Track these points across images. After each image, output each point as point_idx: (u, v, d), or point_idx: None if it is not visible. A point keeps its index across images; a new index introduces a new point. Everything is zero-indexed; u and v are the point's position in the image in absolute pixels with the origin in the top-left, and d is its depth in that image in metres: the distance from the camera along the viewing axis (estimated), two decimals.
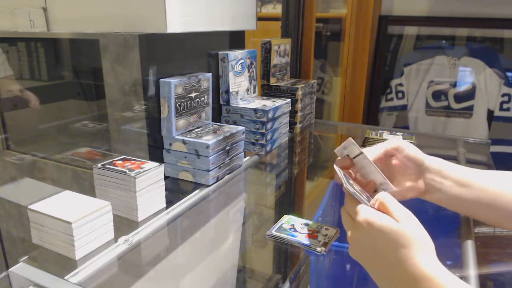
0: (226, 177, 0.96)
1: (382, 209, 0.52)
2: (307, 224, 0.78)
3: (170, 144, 0.91)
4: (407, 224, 0.48)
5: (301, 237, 0.74)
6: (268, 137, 1.11)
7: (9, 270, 0.60)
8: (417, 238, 0.47)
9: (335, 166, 0.61)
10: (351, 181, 0.58)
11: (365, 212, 0.52)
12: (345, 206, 0.57)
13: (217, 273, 0.74)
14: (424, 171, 0.66)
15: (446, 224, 0.90)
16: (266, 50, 1.31)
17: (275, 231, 0.76)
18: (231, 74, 1.09)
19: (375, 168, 0.63)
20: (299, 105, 1.31)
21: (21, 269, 0.60)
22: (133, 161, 0.77)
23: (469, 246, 0.70)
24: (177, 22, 0.85)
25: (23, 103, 1.09)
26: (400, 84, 2.09)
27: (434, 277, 0.44)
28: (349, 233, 0.54)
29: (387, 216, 0.50)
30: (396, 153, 0.67)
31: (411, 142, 1.06)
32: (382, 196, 0.53)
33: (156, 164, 0.77)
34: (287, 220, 0.81)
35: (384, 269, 0.49)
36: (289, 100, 1.22)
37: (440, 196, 0.65)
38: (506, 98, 1.90)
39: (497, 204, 0.61)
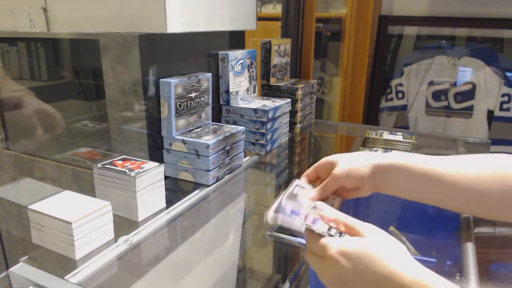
0: (226, 177, 0.96)
1: (348, 231, 0.49)
2: None
3: (170, 144, 0.91)
4: (379, 240, 0.46)
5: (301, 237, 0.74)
6: (268, 137, 1.11)
7: (9, 270, 0.60)
8: (394, 250, 0.46)
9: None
10: (303, 219, 0.53)
11: (335, 244, 0.47)
12: (308, 247, 0.51)
13: (217, 273, 0.74)
14: (373, 175, 0.61)
15: (446, 224, 0.90)
16: (266, 50, 1.31)
17: (275, 231, 0.77)
18: (231, 74, 1.09)
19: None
20: (299, 105, 1.31)
21: (21, 269, 0.60)
22: (133, 161, 0.77)
23: (469, 246, 0.70)
24: (177, 22, 0.85)
25: None
26: (400, 84, 2.09)
27: (423, 281, 0.43)
28: (323, 274, 0.50)
29: (356, 238, 0.47)
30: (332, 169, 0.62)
31: (410, 142, 1.04)
32: (341, 217, 0.50)
33: (156, 164, 0.77)
34: None
35: None
36: (289, 100, 1.22)
37: (395, 191, 0.62)
38: (506, 98, 1.90)
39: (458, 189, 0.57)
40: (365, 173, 0.61)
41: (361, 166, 0.62)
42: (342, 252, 0.47)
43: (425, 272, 0.44)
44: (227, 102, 1.11)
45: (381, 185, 0.62)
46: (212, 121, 1.03)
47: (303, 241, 0.73)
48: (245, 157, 1.05)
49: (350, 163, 0.62)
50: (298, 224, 0.52)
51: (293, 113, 1.30)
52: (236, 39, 1.16)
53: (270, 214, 0.56)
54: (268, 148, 1.12)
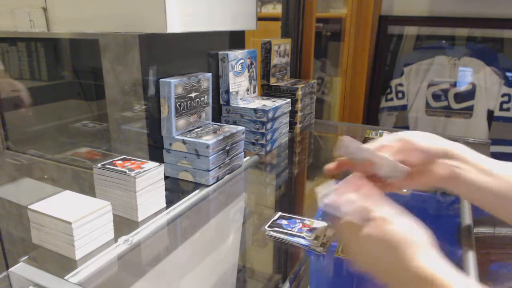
0: (226, 177, 0.96)
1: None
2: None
3: (170, 144, 0.91)
4: (399, 224, 0.47)
5: (300, 238, 0.74)
6: (268, 137, 1.11)
7: (9, 270, 0.60)
8: (413, 238, 0.46)
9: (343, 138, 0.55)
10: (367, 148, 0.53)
11: (384, 210, 0.48)
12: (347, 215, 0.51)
13: (217, 273, 0.74)
14: (445, 158, 0.59)
15: (446, 225, 0.90)
16: (266, 50, 1.31)
17: (271, 230, 0.76)
18: (231, 74, 1.09)
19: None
20: (299, 105, 1.31)
21: (21, 269, 0.60)
22: (133, 161, 0.77)
23: (469, 247, 0.70)
24: (177, 22, 0.85)
25: None
26: (400, 84, 2.09)
27: (439, 275, 0.43)
28: (355, 238, 0.50)
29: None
30: (405, 145, 0.62)
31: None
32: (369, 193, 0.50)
33: (156, 164, 0.77)
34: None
35: (390, 273, 0.47)
36: (289, 100, 1.22)
37: (460, 184, 0.60)
38: (506, 98, 1.90)
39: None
40: (437, 149, 0.59)
41: (436, 141, 0.60)
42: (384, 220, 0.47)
43: (445, 269, 0.44)
44: (227, 102, 1.11)
45: (448, 176, 0.59)
46: (212, 121, 1.03)
47: (302, 241, 0.73)
48: (245, 157, 1.05)
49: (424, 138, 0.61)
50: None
51: (293, 113, 1.30)
52: (236, 39, 1.16)
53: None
54: (268, 148, 1.12)
